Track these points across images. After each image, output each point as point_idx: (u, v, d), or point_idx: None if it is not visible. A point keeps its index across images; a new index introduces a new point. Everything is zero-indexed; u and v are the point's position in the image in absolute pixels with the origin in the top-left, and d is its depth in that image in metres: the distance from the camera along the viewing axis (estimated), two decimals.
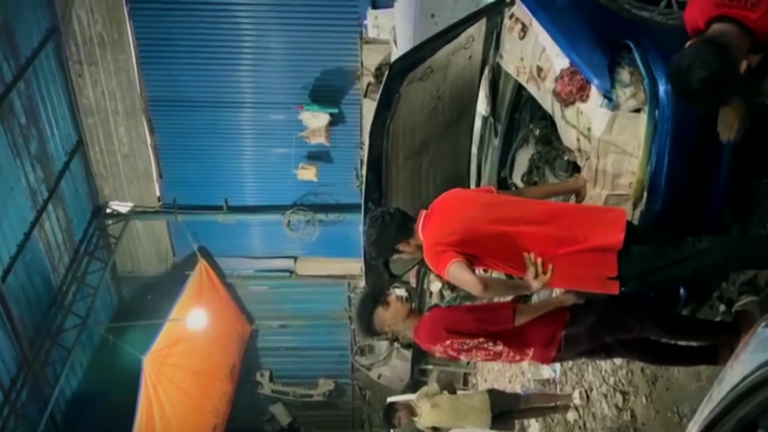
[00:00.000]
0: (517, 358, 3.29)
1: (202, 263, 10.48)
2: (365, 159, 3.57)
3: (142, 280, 11.07)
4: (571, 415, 5.77)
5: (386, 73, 3.35)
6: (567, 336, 3.17)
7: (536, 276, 2.86)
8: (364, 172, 3.73)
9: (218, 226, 10.41)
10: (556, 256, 2.88)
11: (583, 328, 3.16)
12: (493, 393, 5.63)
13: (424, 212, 3.16)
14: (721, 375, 1.41)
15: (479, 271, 3.26)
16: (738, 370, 1.32)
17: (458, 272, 2.88)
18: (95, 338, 10.09)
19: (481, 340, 3.12)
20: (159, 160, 9.90)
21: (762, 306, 3.27)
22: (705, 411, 1.40)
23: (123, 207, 10.26)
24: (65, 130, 9.18)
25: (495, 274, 3.43)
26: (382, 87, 3.35)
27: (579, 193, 3.49)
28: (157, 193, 10.22)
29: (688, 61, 2.47)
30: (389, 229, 3.11)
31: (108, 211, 10.22)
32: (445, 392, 5.59)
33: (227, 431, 11.52)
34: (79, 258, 9.67)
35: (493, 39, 4.05)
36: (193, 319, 9.50)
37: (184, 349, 9.79)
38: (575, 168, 3.76)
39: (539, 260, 2.87)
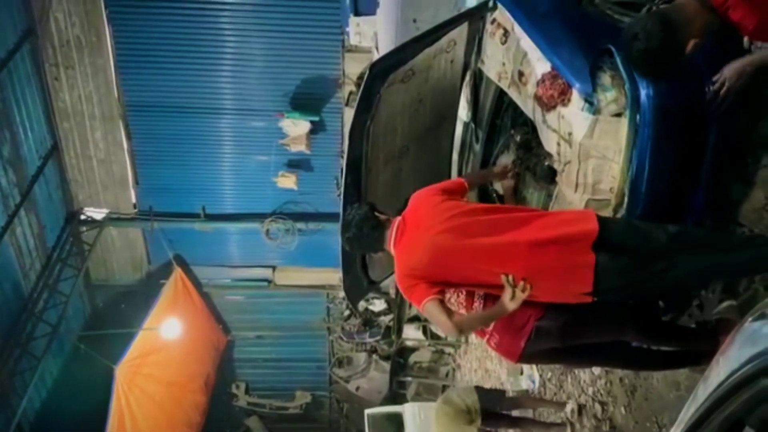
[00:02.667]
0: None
1: (177, 272, 10.32)
2: (344, 162, 3.50)
3: (115, 288, 10.86)
4: None
5: (366, 72, 3.31)
6: (539, 327, 3.11)
7: (513, 297, 2.80)
8: (343, 176, 3.69)
9: (195, 234, 10.25)
10: (530, 258, 2.84)
11: (556, 325, 3.11)
12: (479, 390, 5.46)
13: (396, 222, 3.09)
14: (706, 372, 1.37)
15: (456, 296, 3.27)
16: (724, 366, 1.27)
17: (433, 313, 2.88)
18: (66, 347, 9.85)
19: None
20: (135, 166, 9.75)
21: (741, 311, 3.26)
22: (690, 410, 1.35)
23: (98, 213, 10.07)
24: (40, 134, 9.00)
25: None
26: (362, 87, 3.30)
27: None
28: (133, 200, 10.06)
29: (634, 30, 2.56)
30: (362, 241, 3.13)
31: (82, 217, 10.02)
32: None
33: None
34: (51, 265, 9.45)
35: (475, 44, 4.03)
36: (168, 328, 9.33)
37: (158, 360, 9.60)
38: (556, 173, 3.72)
39: (521, 283, 2.81)
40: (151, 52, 8.85)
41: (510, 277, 2.81)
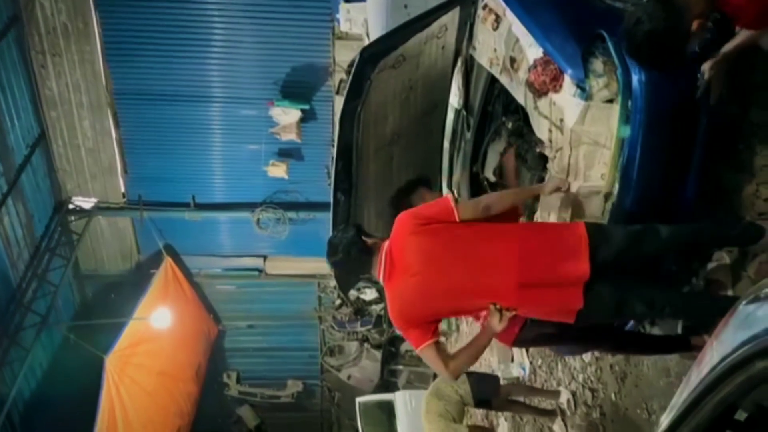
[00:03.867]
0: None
1: (167, 261, 10.26)
2: (335, 148, 3.47)
3: (105, 278, 10.80)
4: (557, 428, 5.65)
5: (357, 58, 3.27)
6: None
7: (500, 320, 2.78)
8: (333, 163, 3.66)
9: (185, 224, 10.20)
10: (520, 296, 2.81)
11: None
12: (471, 378, 5.42)
13: (384, 250, 2.92)
14: (699, 356, 1.36)
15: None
16: (718, 349, 1.26)
17: (430, 358, 2.91)
18: (56, 337, 9.79)
19: None
20: (124, 155, 9.68)
21: (733, 270, 3.27)
22: (683, 394, 1.35)
23: (86, 203, 9.99)
24: (27, 123, 8.90)
25: None
26: (352, 73, 3.27)
27: (537, 198, 3.50)
28: (122, 189, 9.99)
29: (637, 14, 2.51)
30: (348, 274, 3.15)
31: (71, 206, 9.95)
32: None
33: None
34: (39, 254, 9.39)
35: (467, 30, 4.00)
36: (158, 318, 9.28)
37: (148, 349, 9.57)
38: (547, 160, 3.71)
39: (507, 313, 2.79)
40: (139, 40, 8.76)
41: (497, 306, 2.79)
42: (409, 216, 2.92)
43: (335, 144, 3.41)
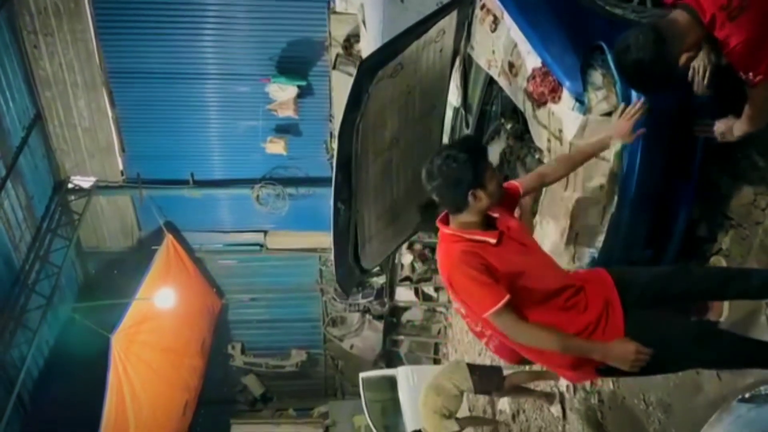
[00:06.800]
0: None
1: (168, 238, 10.29)
2: (335, 161, 3.46)
3: (107, 256, 10.84)
4: (555, 410, 5.77)
5: (355, 72, 3.24)
6: None
7: None
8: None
9: (185, 201, 10.20)
10: None
11: None
12: (474, 374, 5.55)
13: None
14: None
15: None
16: None
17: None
18: (61, 317, 9.88)
19: None
20: (121, 134, 9.60)
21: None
22: None
23: (85, 182, 9.94)
24: (22, 104, 8.81)
25: None
26: (351, 87, 3.24)
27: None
28: (120, 167, 9.93)
29: (627, 43, 2.51)
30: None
31: (70, 186, 9.89)
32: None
33: (199, 404, 11.54)
34: (41, 236, 9.40)
35: (465, 29, 3.95)
36: (162, 297, 9.35)
37: (153, 327, 9.67)
38: None
39: None
40: (132, 17, 8.59)
41: None
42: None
43: (335, 157, 3.40)
